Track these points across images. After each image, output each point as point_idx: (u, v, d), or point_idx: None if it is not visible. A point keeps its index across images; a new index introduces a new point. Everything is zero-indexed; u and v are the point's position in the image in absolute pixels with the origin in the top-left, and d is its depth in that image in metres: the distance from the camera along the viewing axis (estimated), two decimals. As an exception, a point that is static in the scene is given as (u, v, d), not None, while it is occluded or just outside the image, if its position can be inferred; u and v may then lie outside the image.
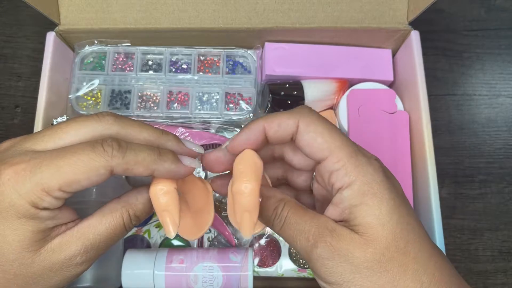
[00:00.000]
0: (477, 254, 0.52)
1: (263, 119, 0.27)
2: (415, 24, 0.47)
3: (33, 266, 0.24)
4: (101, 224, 0.26)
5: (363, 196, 0.24)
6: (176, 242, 0.49)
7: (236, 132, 0.50)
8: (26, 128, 0.55)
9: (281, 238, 0.48)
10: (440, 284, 0.24)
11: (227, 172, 0.30)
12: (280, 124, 0.26)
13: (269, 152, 0.31)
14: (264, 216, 0.27)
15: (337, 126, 0.49)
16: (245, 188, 0.25)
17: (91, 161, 0.23)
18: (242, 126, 0.50)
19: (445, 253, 0.46)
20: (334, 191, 0.26)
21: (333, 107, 0.50)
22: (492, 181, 0.54)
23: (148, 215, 0.28)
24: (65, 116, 0.47)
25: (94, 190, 0.40)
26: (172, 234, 0.26)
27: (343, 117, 0.47)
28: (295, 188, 0.32)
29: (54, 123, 0.46)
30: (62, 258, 0.25)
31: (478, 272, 0.51)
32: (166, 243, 0.49)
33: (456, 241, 0.52)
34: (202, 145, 0.42)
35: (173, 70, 0.50)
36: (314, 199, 0.31)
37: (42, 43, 0.46)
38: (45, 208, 0.24)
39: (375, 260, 0.24)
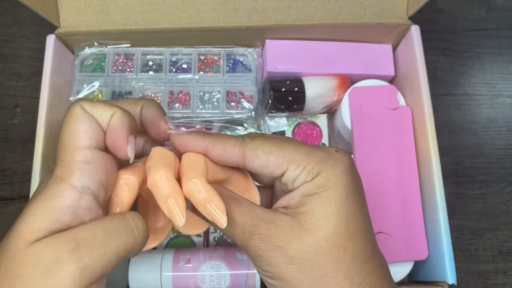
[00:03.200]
0: (478, 254, 0.52)
1: (209, 139, 0.26)
2: (415, 23, 0.47)
3: None
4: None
5: (318, 188, 0.25)
6: (182, 241, 0.49)
7: (238, 131, 0.50)
8: (26, 128, 0.55)
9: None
10: (374, 283, 0.24)
11: None
12: (224, 150, 0.26)
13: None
14: (198, 212, 0.26)
15: (340, 126, 0.49)
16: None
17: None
18: (244, 124, 0.50)
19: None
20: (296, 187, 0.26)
21: (333, 104, 0.50)
22: (493, 181, 0.54)
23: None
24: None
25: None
26: (182, 221, 0.23)
27: (346, 116, 0.47)
28: (257, 182, 0.31)
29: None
30: None
31: (478, 272, 0.52)
32: (172, 244, 0.49)
33: (456, 241, 0.52)
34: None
35: (174, 70, 0.50)
36: (273, 193, 0.30)
37: (42, 43, 0.46)
38: None
39: (311, 252, 0.24)
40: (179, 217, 0.23)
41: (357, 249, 0.24)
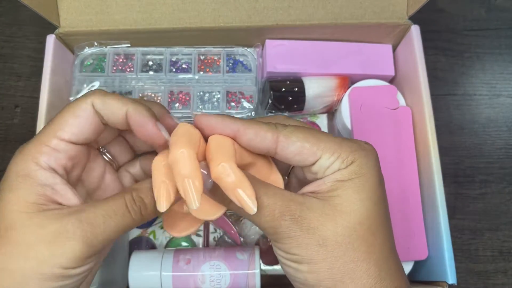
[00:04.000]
0: (477, 254, 0.52)
1: (241, 122, 0.26)
2: (415, 23, 0.47)
3: None
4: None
5: (351, 174, 0.25)
6: (183, 243, 0.49)
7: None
8: (25, 128, 0.55)
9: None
10: (395, 277, 0.24)
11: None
12: (257, 134, 0.26)
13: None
14: (220, 196, 0.26)
15: (340, 126, 0.49)
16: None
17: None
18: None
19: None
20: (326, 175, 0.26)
21: (333, 104, 0.50)
22: (493, 181, 0.54)
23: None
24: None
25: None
26: (196, 204, 0.23)
27: (346, 116, 0.47)
28: None
29: None
30: None
31: (478, 272, 0.52)
32: (172, 244, 0.49)
33: (456, 241, 0.52)
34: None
35: (174, 70, 0.50)
36: (286, 185, 0.30)
37: (42, 43, 0.46)
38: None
39: (345, 234, 0.24)
40: (193, 200, 0.23)
41: (386, 235, 0.25)
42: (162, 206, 0.24)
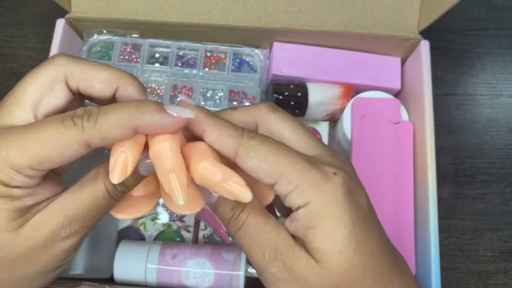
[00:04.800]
0: (478, 255, 0.52)
1: (209, 120, 0.24)
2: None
3: (15, 247, 0.23)
4: (82, 193, 0.24)
5: (318, 219, 0.22)
6: (171, 236, 0.49)
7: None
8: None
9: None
10: None
11: None
12: (219, 137, 0.24)
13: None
14: (221, 213, 0.25)
15: (340, 135, 0.49)
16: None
17: (61, 135, 0.21)
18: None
19: (444, 253, 0.46)
20: (293, 209, 0.23)
21: (336, 112, 0.49)
22: (493, 181, 0.54)
23: (138, 182, 0.25)
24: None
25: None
26: (182, 200, 0.22)
27: (346, 126, 0.47)
28: None
29: None
30: (45, 234, 0.23)
31: (478, 272, 0.51)
32: (160, 237, 0.49)
33: (456, 242, 0.52)
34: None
35: (179, 64, 0.50)
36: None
37: (42, 42, 0.46)
38: (17, 187, 0.22)
39: None
40: (179, 195, 0.22)
41: (375, 276, 0.23)
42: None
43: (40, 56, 0.46)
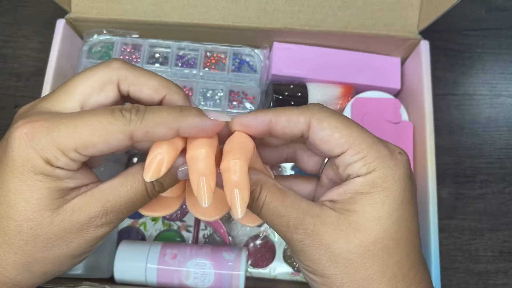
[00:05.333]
0: (478, 255, 0.52)
1: (271, 112, 0.26)
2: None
3: (52, 226, 0.24)
4: (122, 187, 0.25)
5: (372, 187, 0.24)
6: (171, 236, 0.49)
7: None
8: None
9: (276, 240, 0.48)
10: None
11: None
12: (289, 121, 0.25)
13: (278, 154, 0.30)
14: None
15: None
16: (234, 164, 0.24)
17: (109, 124, 0.23)
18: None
19: (444, 253, 0.46)
20: (351, 176, 0.25)
21: (338, 112, 0.49)
22: (493, 181, 0.54)
23: (173, 184, 0.27)
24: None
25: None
26: (206, 203, 0.24)
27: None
28: (302, 170, 0.31)
29: None
30: (82, 219, 0.24)
31: (478, 272, 0.51)
32: (160, 237, 0.49)
33: (456, 242, 0.52)
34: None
35: (179, 64, 0.50)
36: (319, 183, 0.30)
37: (42, 43, 0.46)
38: (60, 168, 0.23)
39: (357, 253, 0.23)
40: (205, 197, 0.24)
41: (404, 255, 0.24)
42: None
43: (40, 56, 0.45)
